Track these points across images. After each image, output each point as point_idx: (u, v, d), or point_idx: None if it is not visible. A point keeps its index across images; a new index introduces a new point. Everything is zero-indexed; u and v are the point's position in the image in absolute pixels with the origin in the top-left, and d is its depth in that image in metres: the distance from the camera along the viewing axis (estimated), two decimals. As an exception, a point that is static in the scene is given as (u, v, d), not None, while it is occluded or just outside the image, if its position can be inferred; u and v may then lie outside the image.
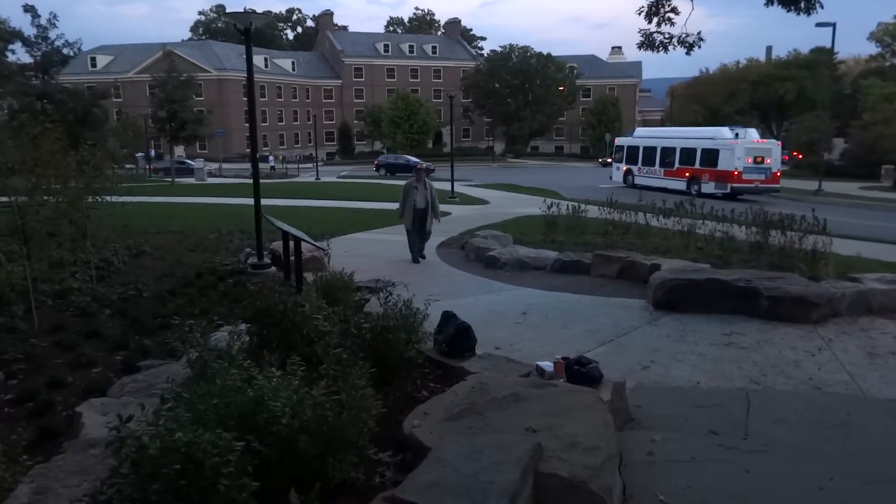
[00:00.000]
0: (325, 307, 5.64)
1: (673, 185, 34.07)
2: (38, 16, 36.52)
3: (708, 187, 32.28)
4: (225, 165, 57.64)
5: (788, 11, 9.81)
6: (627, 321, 7.94)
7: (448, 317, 6.28)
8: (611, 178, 40.00)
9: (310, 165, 61.52)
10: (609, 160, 65.57)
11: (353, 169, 63.19)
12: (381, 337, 5.26)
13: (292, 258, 8.44)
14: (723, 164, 31.78)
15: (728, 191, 31.10)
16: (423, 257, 12.43)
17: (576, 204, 16.50)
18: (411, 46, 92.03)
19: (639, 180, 36.76)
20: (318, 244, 9.26)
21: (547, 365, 5.35)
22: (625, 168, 38.49)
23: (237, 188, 32.75)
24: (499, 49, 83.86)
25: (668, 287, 8.44)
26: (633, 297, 9.28)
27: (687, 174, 33.59)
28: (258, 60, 78.71)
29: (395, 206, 25.08)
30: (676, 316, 8.13)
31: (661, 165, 35.82)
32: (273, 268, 10.89)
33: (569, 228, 15.48)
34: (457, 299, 9.18)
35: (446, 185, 30.21)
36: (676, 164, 34.63)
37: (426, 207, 12.38)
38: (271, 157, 54.03)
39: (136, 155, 50.20)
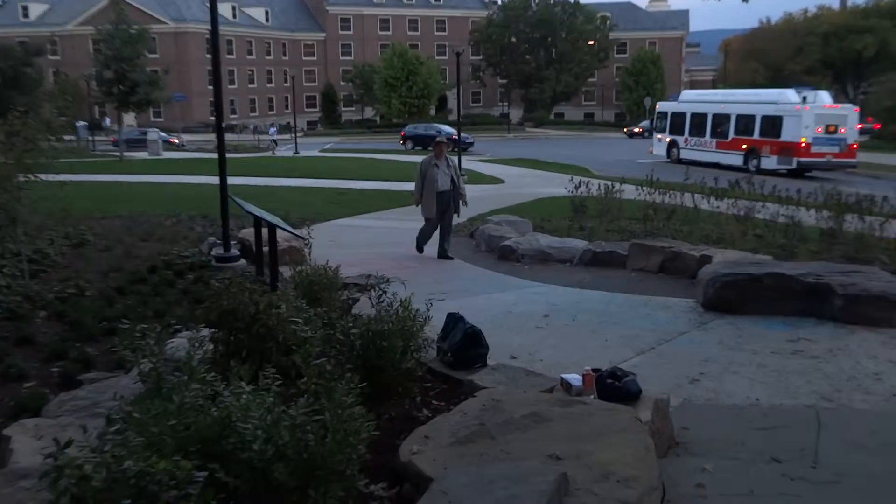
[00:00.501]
0: (306, 308, 5.64)
1: (727, 159, 34.04)
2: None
3: (769, 162, 32.17)
4: (185, 136, 57.79)
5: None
6: (671, 325, 7.93)
7: (454, 320, 6.26)
8: (651, 151, 40.09)
9: (287, 137, 61.61)
10: (637, 129, 65.77)
11: (339, 140, 63.38)
12: (372, 344, 5.25)
13: (265, 249, 8.43)
14: (787, 134, 31.61)
15: (794, 166, 31.01)
16: (450, 257, 11.98)
17: (609, 183, 16.51)
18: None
19: (685, 154, 36.78)
20: (296, 232, 9.26)
21: (574, 378, 5.34)
22: (668, 139, 38.51)
23: (199, 164, 32.82)
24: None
25: (721, 283, 8.42)
26: (678, 296, 9.26)
27: (744, 146, 33.48)
28: (224, 9, 78.67)
29: (392, 185, 25.25)
30: (731, 318, 8.11)
31: (712, 136, 35.80)
32: (242, 261, 10.91)
33: (600, 213, 15.49)
34: (465, 299, 9.18)
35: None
36: (731, 135, 34.56)
37: (450, 190, 12.05)
38: (273, 129, 53.58)
39: (77, 124, 50.31)
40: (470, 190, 25.11)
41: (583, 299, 9.15)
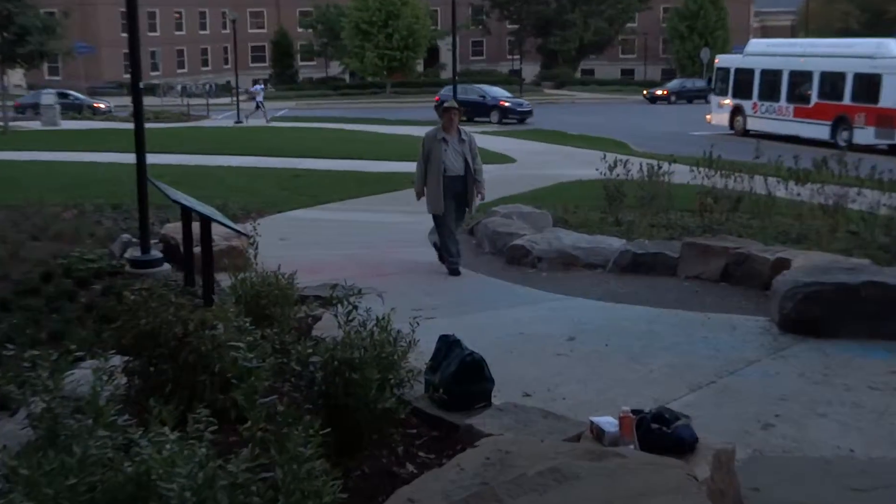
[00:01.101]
0: (250, 329, 5.61)
1: (808, 130, 33.99)
2: None
3: (864, 135, 32.05)
4: (107, 100, 57.67)
5: None
6: (737, 351, 7.92)
7: (448, 345, 6.25)
8: (709, 120, 40.18)
9: (227, 100, 61.50)
10: (661, 92, 65.36)
11: (295, 106, 63.37)
12: (339, 377, 5.23)
13: (197, 250, 8.41)
14: (888, 99, 31.47)
15: None
16: (457, 272, 11.49)
17: (654, 162, 16.54)
18: None
19: (754, 124, 36.94)
20: (238, 227, 9.24)
21: (608, 423, 5.33)
22: (731, 104, 38.55)
23: (110, 137, 32.76)
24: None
25: (803, 296, 8.43)
26: (745, 313, 9.25)
27: (831, 114, 33.45)
28: (143, -68, 78.78)
29: (366, 165, 25.22)
30: (816, 343, 8.12)
31: (789, 100, 35.79)
32: (166, 266, 10.88)
33: (643, 202, 15.53)
34: (462, 316, 9.18)
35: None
36: (814, 99, 34.54)
37: (464, 175, 11.57)
38: (259, 87, 52.92)
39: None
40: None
41: (619, 317, 9.15)
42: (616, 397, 6.61)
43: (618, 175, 15.74)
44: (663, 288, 10.49)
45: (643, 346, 8.07)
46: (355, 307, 5.79)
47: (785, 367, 7.51)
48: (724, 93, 39.23)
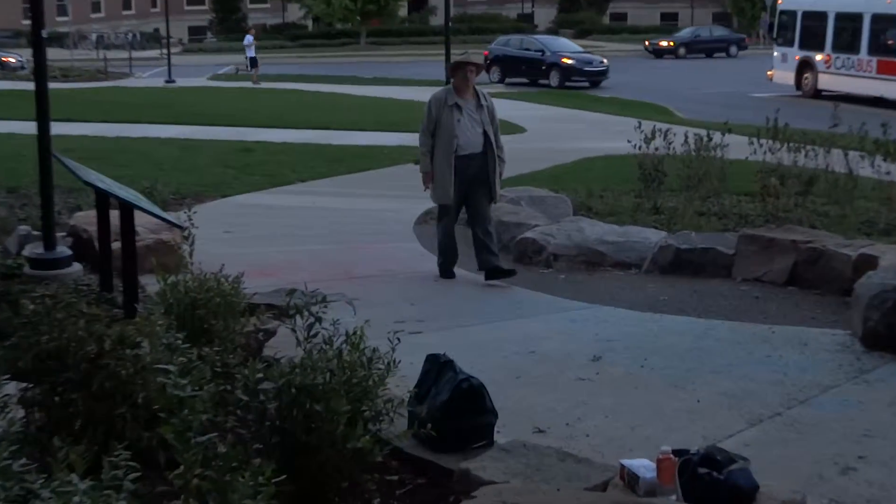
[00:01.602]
0: (185, 347, 5.59)
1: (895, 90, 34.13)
2: None
3: None
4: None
5: None
6: (809, 374, 7.91)
7: (439, 367, 6.23)
8: (771, 76, 40.44)
9: (155, 54, 61.29)
10: (667, 43, 65.09)
11: (243, 61, 63.19)
12: (298, 409, 5.22)
13: (116, 245, 8.37)
14: None
15: None
16: (506, 271, 11.11)
17: (703, 132, 16.51)
18: None
19: (826, 82, 37.15)
20: (169, 217, 9.19)
21: (643, 467, 5.32)
22: (798, 58, 38.75)
23: (12, 100, 32.59)
24: None
25: (893, 304, 8.41)
26: (819, 324, 9.27)
27: None
28: None
29: (332, 136, 25.14)
30: (910, 363, 8.11)
31: (870, 51, 35.73)
32: (76, 265, 10.83)
33: (689, 183, 15.51)
34: (457, 330, 9.17)
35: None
36: None
37: (483, 153, 11.19)
38: (250, 37, 51.43)
39: None
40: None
41: (658, 331, 9.14)
42: (654, 434, 6.58)
43: (657, 149, 15.73)
44: (714, 293, 10.47)
45: (689, 369, 8.04)
46: (319, 319, 5.78)
47: (870, 395, 7.48)
48: (789, 43, 39.32)
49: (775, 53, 40.86)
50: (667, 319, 9.55)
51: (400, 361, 5.73)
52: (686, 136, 16.29)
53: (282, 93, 38.31)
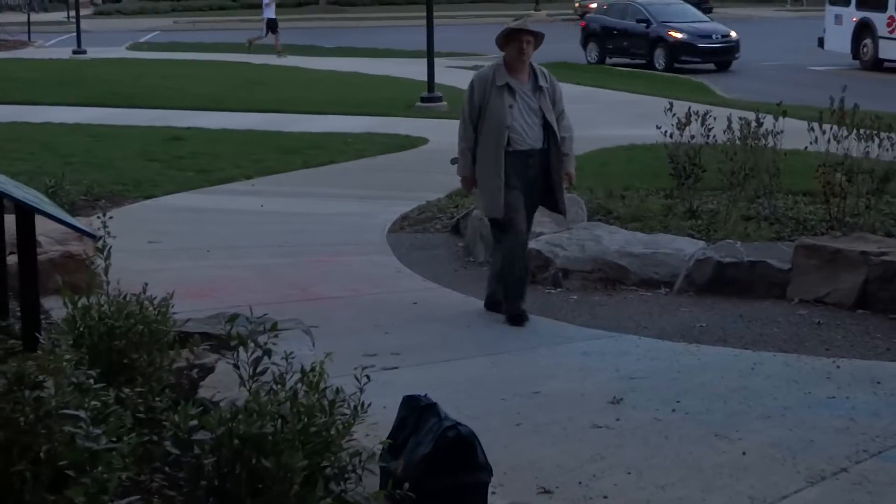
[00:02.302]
0: (99, 388, 5.60)
1: None
2: None
3: None
4: None
5: None
6: (883, 419, 7.90)
7: (419, 412, 6.23)
8: (822, 44, 40.88)
9: (60, 17, 61.14)
10: (590, 4, 65.01)
11: (173, 25, 63.10)
12: (242, 465, 5.23)
13: (12, 259, 8.35)
14: None
15: None
16: (524, 316, 10.52)
17: (752, 115, 16.45)
18: None
19: (888, 49, 37.63)
20: (79, 224, 9.18)
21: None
22: (856, 20, 39.18)
23: None
24: None
25: None
26: (896, 358, 9.30)
27: None
28: None
29: (281, 121, 25.09)
30: None
31: None
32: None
33: (732, 180, 15.48)
34: (442, 366, 9.18)
35: (418, 69, 30.21)
36: None
37: (544, 149, 10.68)
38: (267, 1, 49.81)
39: None
40: (449, 128, 24.88)
41: (694, 366, 9.13)
42: (688, 496, 6.60)
43: (692, 137, 15.71)
44: (765, 318, 10.44)
45: (733, 413, 8.03)
46: (268, 352, 5.79)
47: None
48: (844, 2, 39.88)
49: (828, 14, 41.24)
50: (705, 351, 9.51)
51: (370, 404, 5.73)
52: (729, 121, 16.23)
53: (220, 66, 38.26)
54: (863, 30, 38.51)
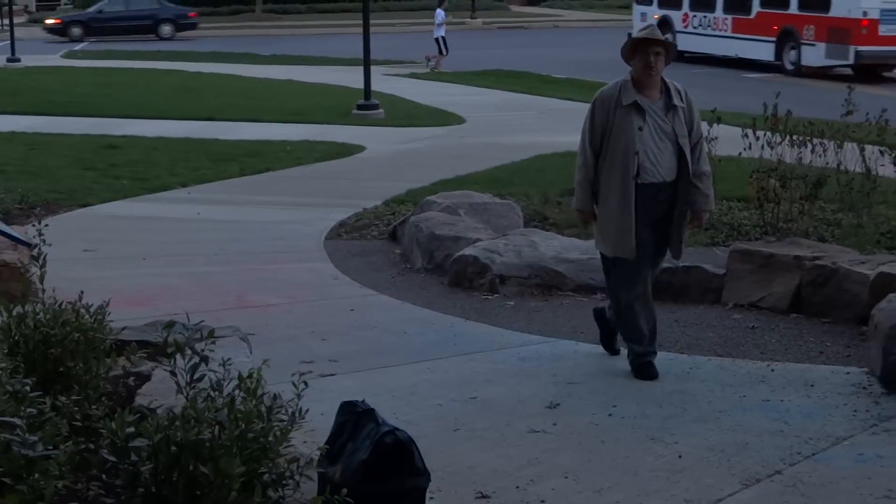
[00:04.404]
0: (34, 396, 5.56)
1: (749, 49, 40.46)
2: None
3: (814, 54, 37.25)
4: None
5: None
6: (816, 422, 7.97)
7: (356, 418, 6.22)
8: (629, 37, 43.94)
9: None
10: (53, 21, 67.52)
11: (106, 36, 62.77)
12: (180, 473, 5.20)
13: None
14: (839, 7, 36.26)
15: (850, 60, 35.82)
16: (651, 372, 9.19)
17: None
18: None
19: (685, 42, 41.99)
20: (13, 233, 9.13)
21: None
22: (657, 17, 43.09)
23: None
24: None
25: (921, 335, 8.50)
26: (830, 361, 9.36)
27: (776, 27, 39.04)
28: None
29: (220, 129, 24.98)
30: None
31: (726, 9, 41.53)
32: None
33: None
34: (379, 372, 9.18)
35: (355, 76, 30.16)
36: (755, 7, 40.07)
37: (675, 181, 9.29)
38: (441, 12, 45.89)
39: None
40: (387, 137, 25.15)
41: (630, 371, 9.15)
42: (625, 499, 6.62)
43: (628, 144, 15.77)
44: (700, 322, 10.51)
45: (668, 417, 8.09)
46: (205, 359, 5.76)
47: (893, 448, 7.53)
48: (648, 2, 44.91)
49: (635, 12, 46.65)
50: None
51: (308, 411, 5.70)
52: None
53: (156, 74, 37.99)
54: (663, 26, 41.92)
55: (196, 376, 5.68)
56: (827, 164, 15.11)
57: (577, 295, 11.60)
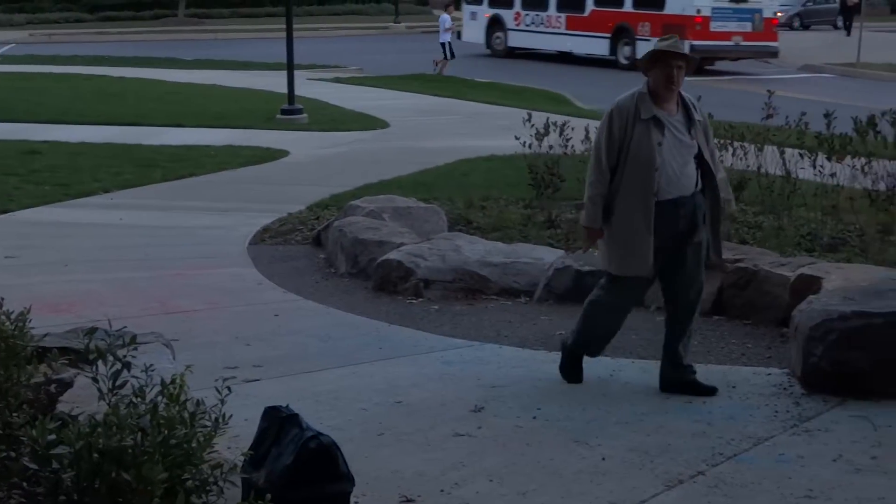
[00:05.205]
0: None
1: (584, 45, 43.23)
2: None
3: (648, 49, 38.24)
4: None
5: None
6: (737, 423, 8.04)
7: (280, 423, 6.20)
8: (460, 36, 47.26)
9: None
10: None
11: (29, 38, 62.21)
12: (102, 479, 5.17)
13: None
14: (673, 5, 39.58)
15: None
16: (693, 380, 8.89)
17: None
18: None
19: (517, 39, 45.55)
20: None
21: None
22: (488, 16, 46.54)
23: None
24: None
25: (842, 335, 8.56)
26: (751, 362, 9.46)
27: (610, 24, 41.90)
28: None
29: (150, 134, 24.83)
30: (859, 408, 8.25)
31: (560, 8, 43.99)
32: None
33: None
34: (303, 377, 9.18)
35: (278, 81, 30.06)
36: (589, 6, 42.67)
37: (695, 193, 8.96)
38: (446, 18, 46.00)
39: None
40: (311, 141, 25.06)
41: (554, 373, 9.16)
42: (550, 501, 6.63)
43: (551, 147, 15.77)
44: (623, 325, 10.57)
45: (592, 419, 8.11)
46: (127, 365, 5.73)
47: (812, 448, 7.60)
48: (477, 1, 46.84)
49: (465, 10, 48.43)
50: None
51: (231, 416, 5.68)
52: (587, 131, 16.21)
53: (78, 79, 37.62)
54: (494, 24, 45.84)
55: (118, 383, 5.65)
56: (748, 166, 15.24)
57: (501, 298, 11.63)
